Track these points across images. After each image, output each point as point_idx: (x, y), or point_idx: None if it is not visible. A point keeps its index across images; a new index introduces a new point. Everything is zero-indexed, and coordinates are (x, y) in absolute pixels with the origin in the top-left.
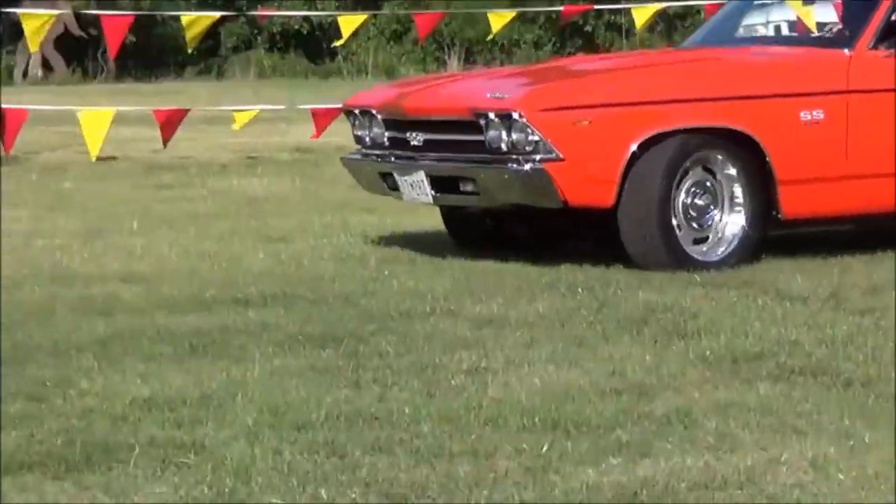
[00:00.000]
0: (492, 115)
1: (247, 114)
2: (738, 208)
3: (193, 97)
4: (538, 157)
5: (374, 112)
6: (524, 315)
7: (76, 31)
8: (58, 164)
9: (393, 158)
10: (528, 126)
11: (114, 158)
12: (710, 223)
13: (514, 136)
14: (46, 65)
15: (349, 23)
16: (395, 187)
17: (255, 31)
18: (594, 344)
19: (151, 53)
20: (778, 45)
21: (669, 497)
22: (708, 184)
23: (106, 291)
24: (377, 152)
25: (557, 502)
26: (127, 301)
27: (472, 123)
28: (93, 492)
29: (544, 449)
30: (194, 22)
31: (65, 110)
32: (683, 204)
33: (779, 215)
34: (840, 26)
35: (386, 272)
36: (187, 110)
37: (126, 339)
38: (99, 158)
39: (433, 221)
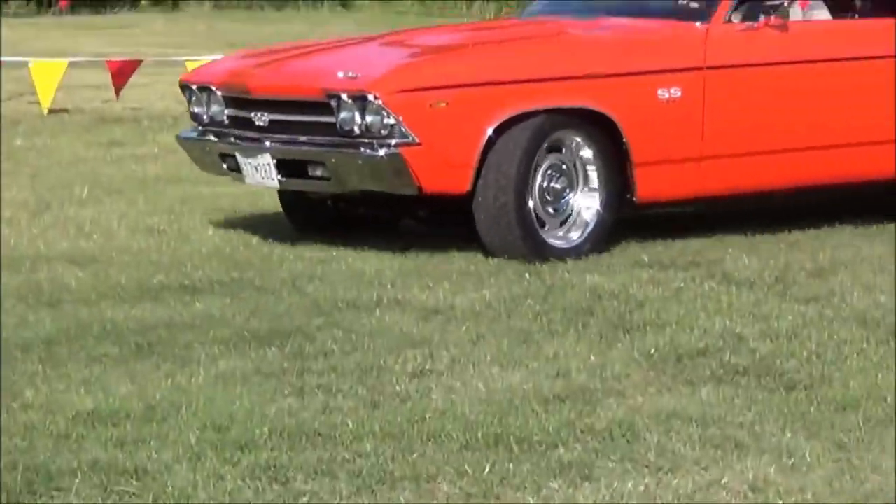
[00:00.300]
0: (344, 97)
1: (197, 63)
2: (593, 192)
3: (148, 32)
4: (394, 141)
5: (213, 89)
6: (471, 304)
7: None
8: (11, 118)
9: (234, 139)
10: (383, 108)
11: (66, 111)
12: (566, 207)
13: (369, 118)
14: None
15: None
16: (236, 169)
17: None
18: (539, 340)
19: None
20: (627, 16)
21: None
22: (564, 166)
23: (53, 276)
24: (216, 130)
25: None
26: (74, 290)
27: (324, 104)
28: None
29: (486, 471)
30: None
31: (15, 61)
32: (540, 188)
33: (633, 198)
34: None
35: (334, 253)
36: (140, 61)
37: (72, 337)
38: (51, 111)
39: None
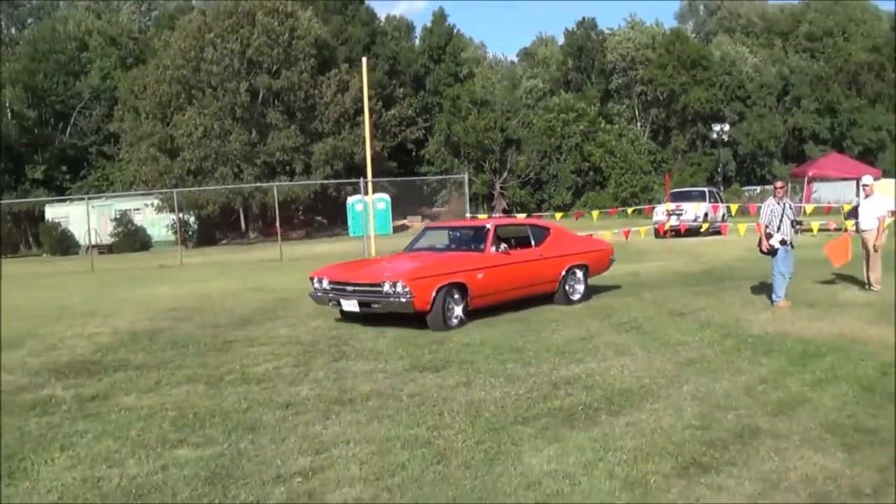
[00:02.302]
0: (387, 283)
1: None
2: (460, 305)
3: None
4: (407, 297)
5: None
6: None
7: None
8: None
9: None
10: (404, 286)
11: None
12: (454, 314)
13: (398, 289)
14: None
15: None
16: (338, 304)
17: None
18: None
19: None
20: (458, 251)
21: None
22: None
23: None
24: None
25: None
26: None
27: (378, 285)
28: None
29: None
30: None
31: None
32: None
33: (469, 307)
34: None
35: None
36: None
37: None
38: None
39: None
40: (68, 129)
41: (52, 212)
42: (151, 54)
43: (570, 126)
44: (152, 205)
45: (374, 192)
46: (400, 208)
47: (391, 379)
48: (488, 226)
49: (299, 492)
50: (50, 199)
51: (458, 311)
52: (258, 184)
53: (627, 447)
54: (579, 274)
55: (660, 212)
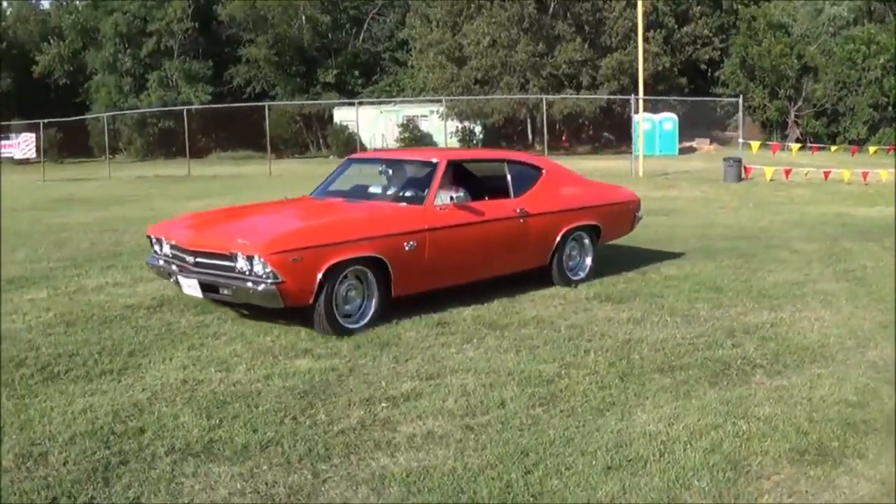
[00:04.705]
0: (240, 255)
1: None
2: (372, 296)
3: None
4: (269, 281)
5: (163, 240)
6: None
7: None
8: None
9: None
10: (264, 263)
11: None
12: (354, 306)
13: (255, 268)
14: None
15: None
16: (177, 283)
17: None
18: None
19: None
20: (382, 201)
21: None
22: (358, 285)
23: None
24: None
25: None
26: None
27: (230, 256)
28: None
29: None
30: None
31: None
32: (344, 298)
33: (392, 295)
34: (416, 190)
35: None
36: None
37: None
38: None
39: None
40: (361, 35)
41: (341, 115)
42: None
43: (870, 59)
44: (438, 112)
45: (661, 111)
46: (689, 130)
47: (564, 306)
48: (435, 160)
49: (376, 418)
50: (339, 101)
51: (373, 305)
52: (543, 95)
53: (757, 415)
54: (586, 240)
55: None
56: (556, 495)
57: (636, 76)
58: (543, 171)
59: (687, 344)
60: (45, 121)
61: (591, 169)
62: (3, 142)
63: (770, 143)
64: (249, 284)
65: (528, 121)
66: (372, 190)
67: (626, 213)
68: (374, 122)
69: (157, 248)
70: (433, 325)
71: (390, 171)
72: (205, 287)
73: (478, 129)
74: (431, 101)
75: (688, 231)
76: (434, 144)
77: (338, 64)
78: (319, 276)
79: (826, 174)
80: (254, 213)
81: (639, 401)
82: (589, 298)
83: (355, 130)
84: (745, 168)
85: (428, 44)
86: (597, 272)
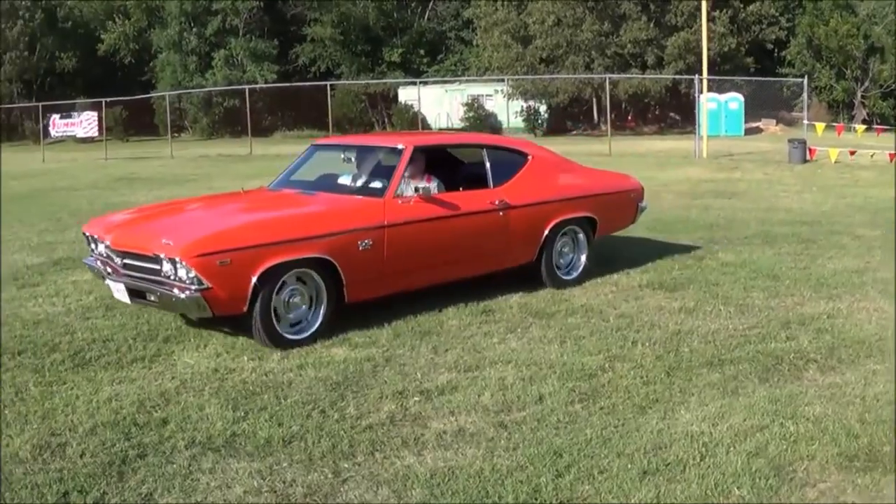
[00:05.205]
0: (164, 257)
1: None
2: (321, 304)
3: None
4: (194, 287)
5: (97, 237)
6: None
7: None
8: None
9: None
10: (187, 267)
11: None
12: (300, 314)
13: (179, 273)
14: None
15: None
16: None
17: None
18: None
19: None
20: (334, 192)
21: None
22: (302, 289)
23: None
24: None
25: None
26: None
27: (154, 258)
28: None
29: None
30: None
31: None
32: (284, 305)
33: (345, 301)
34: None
35: None
36: None
37: None
38: None
39: None
40: (426, 14)
41: (406, 94)
42: None
43: None
44: (503, 91)
45: (727, 91)
46: (755, 110)
47: (615, 294)
48: (401, 146)
49: (407, 413)
50: (401, 80)
51: (321, 313)
52: (608, 75)
53: (806, 415)
54: (579, 235)
55: None
56: (586, 502)
57: (702, 55)
58: (529, 158)
59: (739, 336)
60: (108, 99)
61: (654, 150)
62: (66, 120)
63: (835, 124)
64: (175, 291)
65: (594, 101)
66: (338, 181)
67: (627, 202)
68: (438, 102)
69: (92, 247)
70: (478, 314)
71: (353, 159)
72: (132, 292)
73: (543, 108)
74: (496, 81)
75: (749, 215)
76: (499, 124)
77: (403, 43)
78: (253, 281)
79: (892, 156)
80: (192, 209)
81: (683, 398)
82: (641, 286)
83: (420, 109)
84: (809, 150)
85: (493, 23)
86: (651, 258)
